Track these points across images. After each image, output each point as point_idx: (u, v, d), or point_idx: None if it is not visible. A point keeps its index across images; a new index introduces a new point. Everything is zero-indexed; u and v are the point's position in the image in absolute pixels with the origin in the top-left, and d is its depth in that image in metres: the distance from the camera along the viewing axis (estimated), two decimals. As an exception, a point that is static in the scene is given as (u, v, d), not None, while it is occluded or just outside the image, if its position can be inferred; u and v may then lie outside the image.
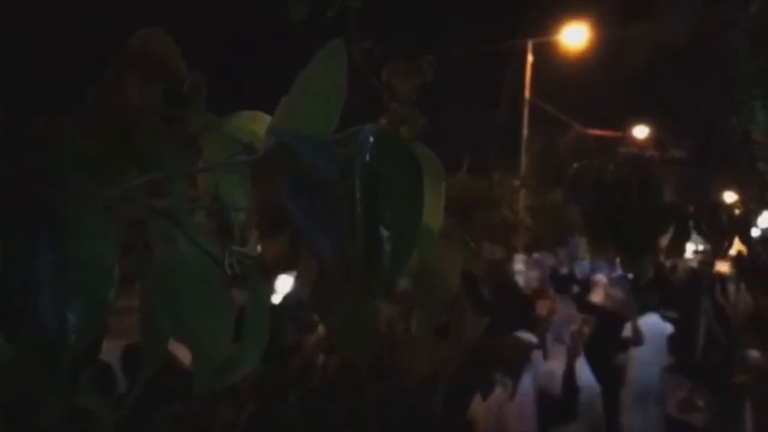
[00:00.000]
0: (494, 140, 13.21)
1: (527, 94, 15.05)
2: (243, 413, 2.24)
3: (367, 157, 0.60)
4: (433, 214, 0.66)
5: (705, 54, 7.79)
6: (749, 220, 2.92)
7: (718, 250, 2.81)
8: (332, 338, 0.85)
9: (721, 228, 2.69)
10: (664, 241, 3.34)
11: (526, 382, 3.78)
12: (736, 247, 3.15)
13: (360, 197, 0.58)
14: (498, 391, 3.73)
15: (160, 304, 0.83)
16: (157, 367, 0.84)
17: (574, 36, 14.93)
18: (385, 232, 0.58)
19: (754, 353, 5.44)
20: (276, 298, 1.92)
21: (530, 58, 15.26)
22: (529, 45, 15.24)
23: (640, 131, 13.92)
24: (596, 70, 14.04)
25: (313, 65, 0.72)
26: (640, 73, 9.61)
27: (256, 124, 1.06)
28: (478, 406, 3.69)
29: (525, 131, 14.92)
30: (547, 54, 15.53)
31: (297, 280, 0.80)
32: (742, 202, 5.68)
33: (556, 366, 4.04)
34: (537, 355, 4.06)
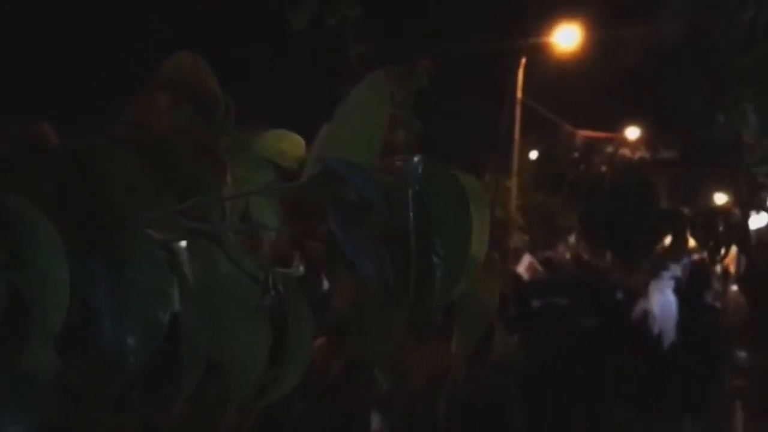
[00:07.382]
0: (494, 148, 13.28)
1: (519, 94, 15.09)
2: (248, 418, 2.26)
3: (418, 188, 0.63)
4: (479, 242, 0.69)
5: (696, 55, 7.85)
6: (746, 226, 2.96)
7: (714, 257, 2.85)
8: (358, 351, 0.88)
9: (717, 236, 2.72)
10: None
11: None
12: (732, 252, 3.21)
13: (413, 228, 0.61)
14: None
15: (198, 323, 0.85)
16: (197, 380, 0.86)
17: (565, 37, 15.01)
18: (436, 261, 0.61)
19: (743, 355, 5.56)
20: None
21: (522, 59, 15.31)
22: (521, 47, 15.30)
23: (632, 132, 13.97)
24: (587, 71, 14.12)
25: (356, 95, 0.74)
26: (631, 75, 9.66)
27: (284, 143, 1.09)
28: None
29: (517, 131, 14.99)
30: (538, 55, 15.61)
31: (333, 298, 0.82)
32: (735, 204, 5.74)
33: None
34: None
